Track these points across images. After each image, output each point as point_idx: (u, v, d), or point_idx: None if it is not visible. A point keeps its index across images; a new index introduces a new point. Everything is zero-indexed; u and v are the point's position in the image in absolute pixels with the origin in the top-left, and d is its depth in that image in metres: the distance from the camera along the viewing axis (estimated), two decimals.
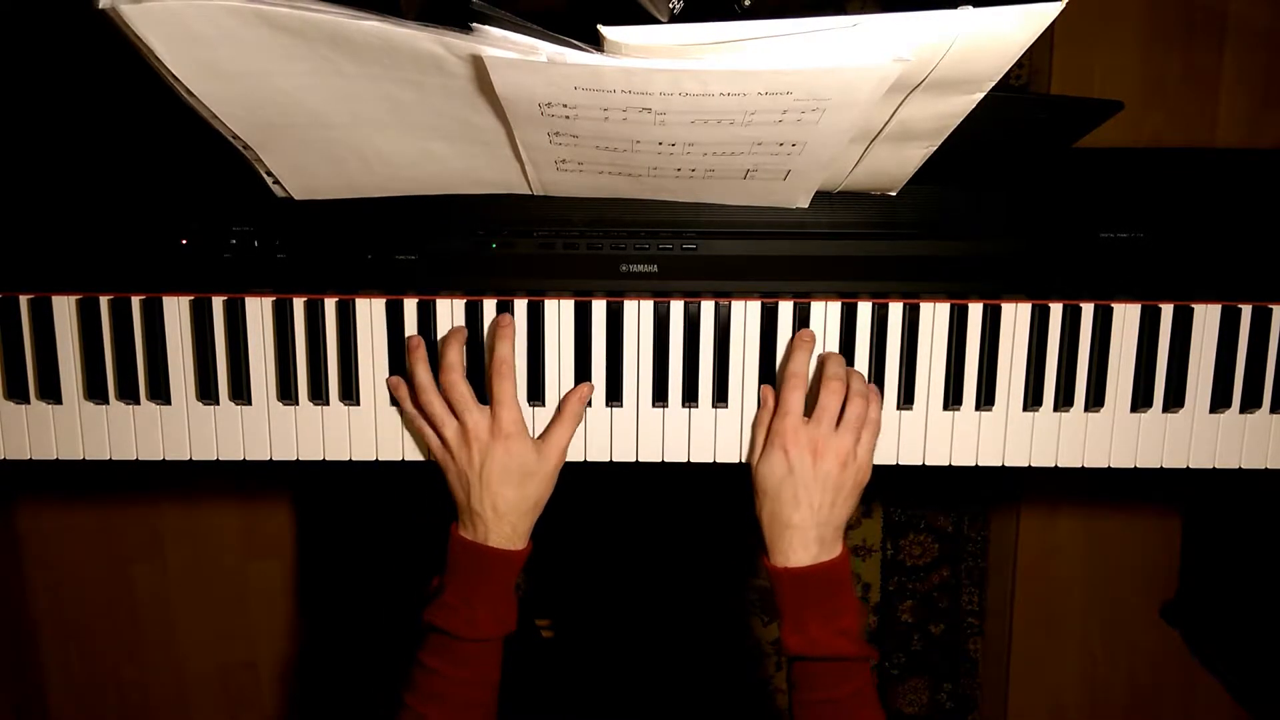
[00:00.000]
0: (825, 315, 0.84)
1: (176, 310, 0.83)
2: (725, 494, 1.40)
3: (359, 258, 0.80)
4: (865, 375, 0.84)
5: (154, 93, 0.62)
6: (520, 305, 0.83)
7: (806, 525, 0.75)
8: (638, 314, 0.83)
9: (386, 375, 0.84)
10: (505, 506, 0.77)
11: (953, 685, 1.58)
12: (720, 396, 0.84)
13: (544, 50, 0.55)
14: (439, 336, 0.83)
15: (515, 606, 0.78)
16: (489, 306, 0.83)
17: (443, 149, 0.71)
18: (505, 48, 0.55)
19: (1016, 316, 0.84)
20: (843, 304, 0.83)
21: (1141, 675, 1.59)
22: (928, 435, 0.85)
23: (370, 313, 0.83)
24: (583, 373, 0.83)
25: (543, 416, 0.84)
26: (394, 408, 0.84)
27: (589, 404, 0.84)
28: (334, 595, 1.51)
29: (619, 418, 0.85)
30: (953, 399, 0.84)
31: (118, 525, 1.51)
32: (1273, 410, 0.85)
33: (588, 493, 1.47)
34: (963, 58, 0.57)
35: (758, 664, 1.53)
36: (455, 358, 0.79)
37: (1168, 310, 0.84)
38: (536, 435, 0.82)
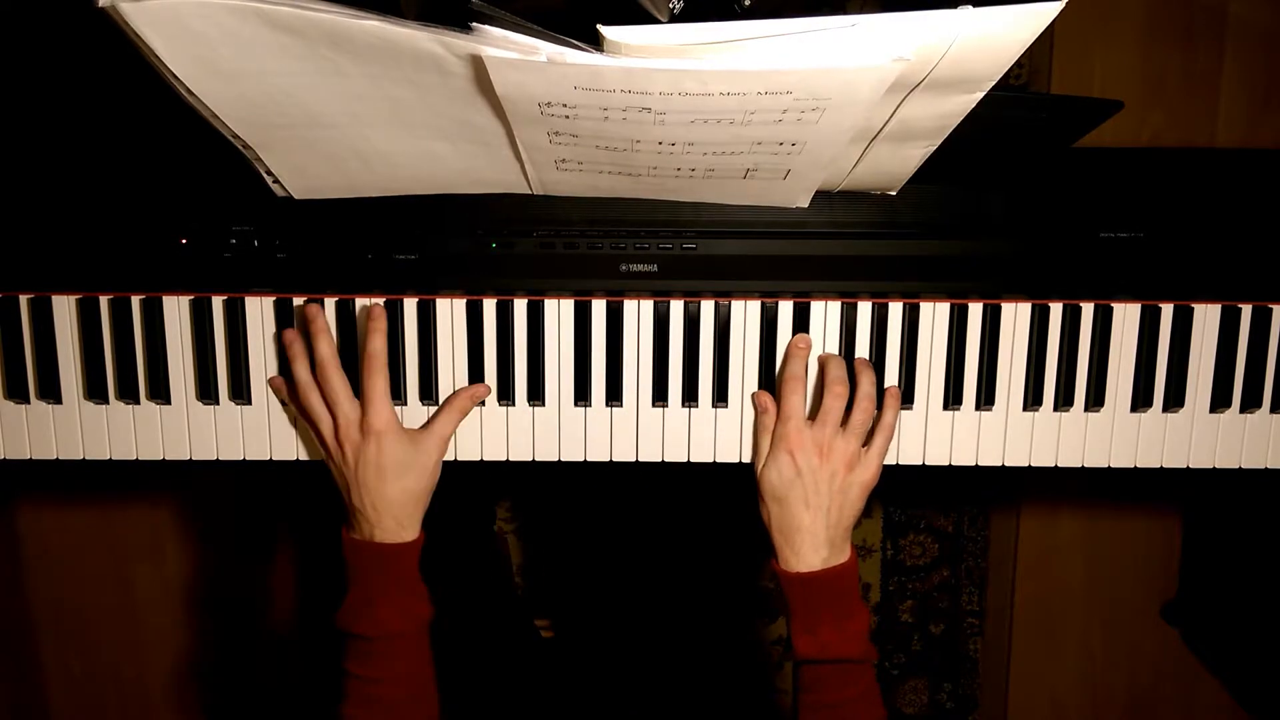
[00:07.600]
0: (825, 315, 0.84)
1: (176, 310, 0.83)
2: (725, 494, 1.40)
3: (359, 258, 0.80)
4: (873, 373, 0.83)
5: (154, 92, 0.62)
6: (520, 305, 0.83)
7: (817, 528, 0.75)
8: (638, 314, 0.83)
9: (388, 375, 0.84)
10: (384, 503, 0.75)
11: (953, 685, 1.58)
12: (720, 396, 0.84)
13: (544, 50, 0.55)
14: (437, 337, 0.83)
15: (422, 596, 0.77)
16: (489, 306, 0.83)
17: (443, 149, 0.71)
18: (505, 48, 0.55)
19: (1016, 316, 0.84)
20: (843, 304, 0.83)
21: (1141, 675, 1.59)
22: (928, 435, 0.85)
23: None
24: (582, 372, 0.83)
25: (541, 416, 0.84)
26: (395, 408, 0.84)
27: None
28: (336, 594, 1.51)
29: (619, 417, 0.85)
30: (953, 399, 0.84)
31: (118, 525, 1.51)
32: (1273, 410, 0.85)
33: (588, 492, 1.47)
34: (962, 57, 0.57)
35: (759, 664, 1.53)
36: (328, 350, 0.77)
37: (1168, 310, 0.84)
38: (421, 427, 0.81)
